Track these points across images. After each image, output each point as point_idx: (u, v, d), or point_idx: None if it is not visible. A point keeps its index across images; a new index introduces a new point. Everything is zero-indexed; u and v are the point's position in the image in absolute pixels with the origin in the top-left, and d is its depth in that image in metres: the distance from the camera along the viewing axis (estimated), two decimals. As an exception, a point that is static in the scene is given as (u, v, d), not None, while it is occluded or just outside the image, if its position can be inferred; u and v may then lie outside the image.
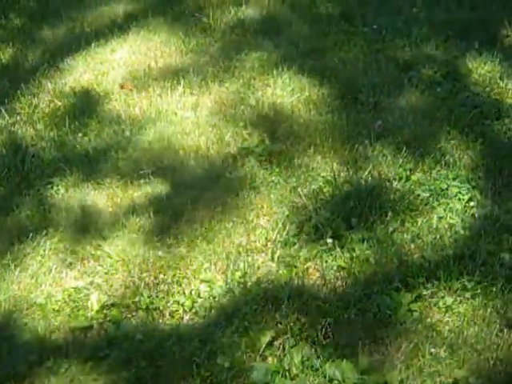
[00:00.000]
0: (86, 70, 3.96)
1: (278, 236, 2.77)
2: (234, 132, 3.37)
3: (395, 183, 3.01)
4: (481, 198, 2.91)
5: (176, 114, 3.55)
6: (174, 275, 2.66)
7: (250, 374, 2.28)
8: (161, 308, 2.54)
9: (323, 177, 3.06)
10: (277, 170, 3.13)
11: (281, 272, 2.63)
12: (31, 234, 2.84)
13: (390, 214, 2.83)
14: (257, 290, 2.55)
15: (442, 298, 2.49)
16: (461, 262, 2.61)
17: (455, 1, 4.40)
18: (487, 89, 3.55)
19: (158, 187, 3.09)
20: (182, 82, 3.78)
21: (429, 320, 2.43)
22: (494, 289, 2.50)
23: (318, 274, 2.62)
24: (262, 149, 3.24)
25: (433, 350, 2.32)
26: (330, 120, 3.41)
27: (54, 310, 2.54)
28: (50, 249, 2.79)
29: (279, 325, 2.43)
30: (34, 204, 3.03)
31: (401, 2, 4.49)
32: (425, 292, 2.52)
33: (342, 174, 3.07)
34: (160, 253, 2.75)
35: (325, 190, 2.99)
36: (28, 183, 3.15)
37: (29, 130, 3.50)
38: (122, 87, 3.80)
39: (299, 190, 3.00)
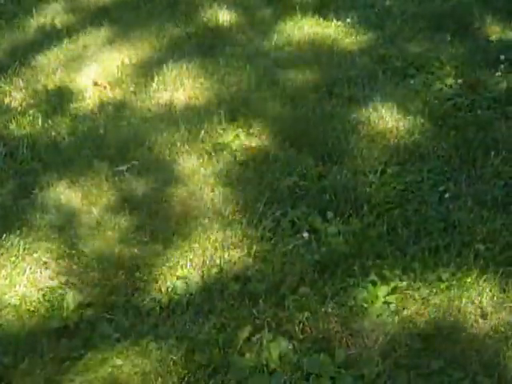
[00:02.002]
0: (59, 67, 3.93)
1: (255, 231, 2.77)
2: (209, 128, 3.35)
3: (370, 176, 3.02)
4: (455, 189, 2.93)
5: (150, 110, 3.53)
6: (150, 273, 2.65)
7: (228, 370, 2.27)
8: (137, 306, 2.53)
9: (298, 171, 3.06)
10: (252, 165, 3.12)
11: (257, 267, 2.63)
12: (5, 235, 2.81)
13: (365, 207, 2.84)
14: (233, 286, 2.55)
15: (418, 289, 2.50)
16: (436, 254, 2.63)
17: (427, -7, 4.43)
18: (460, 81, 3.57)
19: (132, 184, 3.07)
20: (155, 79, 3.76)
21: (405, 312, 2.44)
22: (469, 280, 2.52)
23: (294, 269, 2.62)
24: (237, 144, 3.24)
25: (409, 341, 2.33)
26: (304, 114, 3.41)
27: (28, 310, 2.51)
28: (24, 249, 2.75)
29: (256, 320, 2.42)
30: (8, 204, 2.99)
31: (374, -5, 4.51)
32: (401, 284, 2.52)
33: (317, 168, 3.07)
34: (136, 250, 2.74)
35: (300, 184, 2.99)
36: (1, 183, 3.12)
37: (1, 129, 3.46)
38: (95, 84, 3.77)
39: (274, 184, 2.99)
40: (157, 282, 2.60)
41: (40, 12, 4.51)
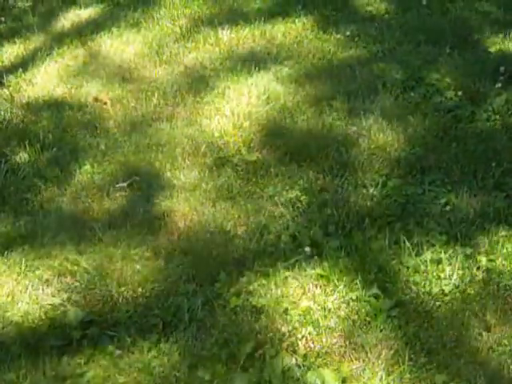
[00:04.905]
0: (60, 84, 3.94)
1: (256, 245, 2.76)
2: (210, 142, 3.36)
3: (371, 189, 3.02)
4: (456, 201, 2.92)
5: (151, 125, 3.54)
6: (153, 289, 2.64)
7: (231, 386, 2.27)
8: (140, 322, 2.52)
9: (300, 185, 3.06)
10: (253, 179, 3.12)
11: (259, 282, 2.62)
12: (6, 252, 2.81)
13: (367, 220, 2.84)
14: (236, 301, 2.54)
15: (421, 303, 2.49)
16: (438, 267, 2.62)
17: (426, 6, 4.45)
18: (460, 93, 3.58)
19: (134, 200, 3.07)
20: (156, 94, 3.77)
21: (408, 326, 2.43)
22: (472, 292, 2.51)
23: (296, 283, 2.61)
24: (238, 158, 3.24)
25: (413, 355, 2.32)
26: (305, 127, 3.42)
27: (31, 327, 2.51)
28: (26, 266, 2.75)
29: (259, 335, 2.41)
30: (9, 221, 3.00)
31: (373, 8, 4.53)
32: (404, 298, 2.52)
33: (318, 182, 3.07)
34: (138, 266, 2.73)
35: (301, 198, 2.99)
36: (3, 200, 3.12)
37: (2, 145, 3.46)
38: (96, 100, 3.78)
39: (276, 198, 2.99)
40: (159, 298, 2.59)
41: (41, 29, 4.54)
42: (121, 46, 4.28)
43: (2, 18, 4.72)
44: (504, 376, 2.25)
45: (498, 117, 3.41)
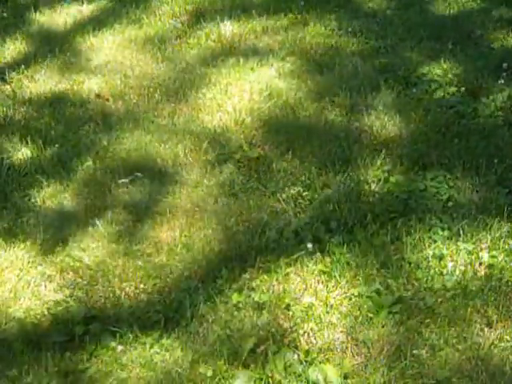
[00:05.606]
0: (62, 80, 3.94)
1: (258, 242, 2.76)
2: (212, 139, 3.36)
3: (373, 185, 3.02)
4: (459, 197, 2.92)
5: (153, 121, 3.54)
6: (155, 285, 2.65)
7: (233, 382, 2.27)
8: (142, 318, 2.52)
9: (302, 181, 3.06)
10: (255, 175, 3.12)
11: (261, 278, 2.62)
12: (9, 248, 2.81)
13: (368, 216, 2.84)
14: (238, 297, 2.54)
15: (423, 299, 2.49)
16: (440, 262, 2.62)
17: (428, 2, 4.45)
18: (462, 88, 3.58)
19: (136, 196, 3.07)
20: (158, 90, 3.77)
21: (410, 322, 2.43)
22: (474, 288, 2.51)
23: (298, 279, 2.61)
24: (240, 155, 3.24)
25: (415, 351, 2.32)
26: (307, 124, 3.42)
27: (33, 323, 2.51)
28: (29, 262, 2.76)
29: (261, 331, 2.42)
30: (11, 217, 3.00)
31: (375, 4, 4.53)
32: (405, 294, 2.52)
33: (320, 178, 3.07)
34: (140, 262, 2.74)
35: (304, 194, 3.00)
36: (4, 196, 3.12)
37: (4, 142, 3.47)
38: (98, 96, 3.78)
39: (278, 194, 2.99)
40: (161, 295, 2.60)
41: (43, 25, 4.53)
42: (123, 42, 4.28)
43: (4, 14, 4.72)
44: (506, 372, 2.25)
45: (500, 113, 3.41)
